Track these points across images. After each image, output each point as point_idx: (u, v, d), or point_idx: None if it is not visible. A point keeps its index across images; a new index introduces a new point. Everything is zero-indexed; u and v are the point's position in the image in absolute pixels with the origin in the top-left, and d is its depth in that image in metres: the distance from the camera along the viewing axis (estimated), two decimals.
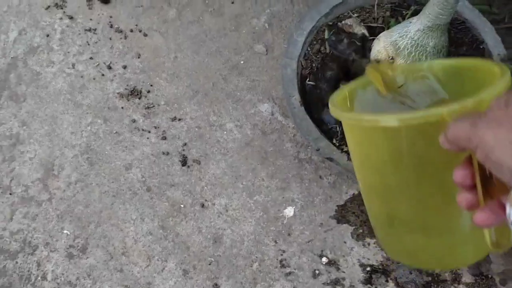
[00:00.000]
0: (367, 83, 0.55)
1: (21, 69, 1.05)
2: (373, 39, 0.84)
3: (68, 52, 1.05)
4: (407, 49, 0.75)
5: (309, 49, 0.89)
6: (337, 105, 0.49)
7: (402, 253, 0.54)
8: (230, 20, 1.05)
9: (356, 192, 0.93)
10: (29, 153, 0.99)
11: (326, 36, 0.88)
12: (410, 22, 0.76)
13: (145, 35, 1.05)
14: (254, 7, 1.06)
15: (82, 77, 1.03)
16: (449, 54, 0.81)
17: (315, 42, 0.89)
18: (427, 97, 0.54)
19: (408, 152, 0.42)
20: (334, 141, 0.84)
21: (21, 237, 0.95)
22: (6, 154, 1.00)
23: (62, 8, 1.08)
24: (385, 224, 0.52)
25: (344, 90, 0.53)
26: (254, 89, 1.01)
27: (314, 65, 0.87)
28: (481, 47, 0.85)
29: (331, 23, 0.89)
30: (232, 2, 1.06)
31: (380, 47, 0.80)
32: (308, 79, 0.88)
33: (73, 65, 1.04)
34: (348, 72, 0.88)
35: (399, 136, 0.41)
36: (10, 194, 0.97)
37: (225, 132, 0.98)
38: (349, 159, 0.81)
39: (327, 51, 0.88)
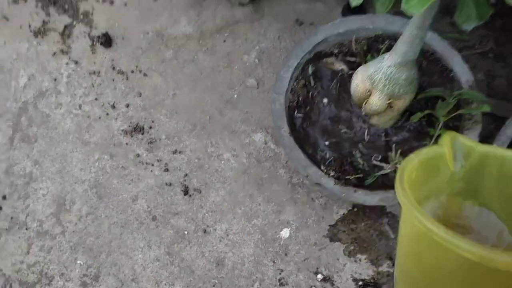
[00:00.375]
0: (438, 155, 0.52)
1: (31, 112, 1.13)
2: (352, 73, 0.92)
3: (75, 94, 1.14)
4: (382, 82, 0.84)
5: (295, 84, 0.97)
6: (406, 189, 0.44)
7: None
8: (223, 57, 1.14)
9: (346, 212, 1.00)
10: (42, 190, 1.07)
11: (309, 72, 0.97)
12: (383, 58, 0.84)
13: (145, 75, 1.14)
14: (245, 45, 1.15)
15: (88, 117, 1.12)
16: (421, 83, 0.89)
17: (300, 77, 0.98)
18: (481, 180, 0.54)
19: (466, 277, 0.41)
20: (322, 167, 0.92)
21: (38, 269, 1.02)
22: (21, 192, 1.07)
23: (67, 54, 1.17)
24: None
25: (415, 160, 0.51)
26: (247, 120, 1.09)
27: (300, 98, 0.96)
28: (451, 75, 0.94)
29: (314, 59, 0.98)
30: (224, 41, 1.15)
31: (358, 80, 0.88)
32: (296, 111, 0.96)
33: (80, 106, 1.13)
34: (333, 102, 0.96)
35: (466, 261, 0.38)
36: (26, 229, 1.05)
37: (222, 162, 1.06)
38: (335, 183, 0.88)
39: (312, 85, 0.97)
